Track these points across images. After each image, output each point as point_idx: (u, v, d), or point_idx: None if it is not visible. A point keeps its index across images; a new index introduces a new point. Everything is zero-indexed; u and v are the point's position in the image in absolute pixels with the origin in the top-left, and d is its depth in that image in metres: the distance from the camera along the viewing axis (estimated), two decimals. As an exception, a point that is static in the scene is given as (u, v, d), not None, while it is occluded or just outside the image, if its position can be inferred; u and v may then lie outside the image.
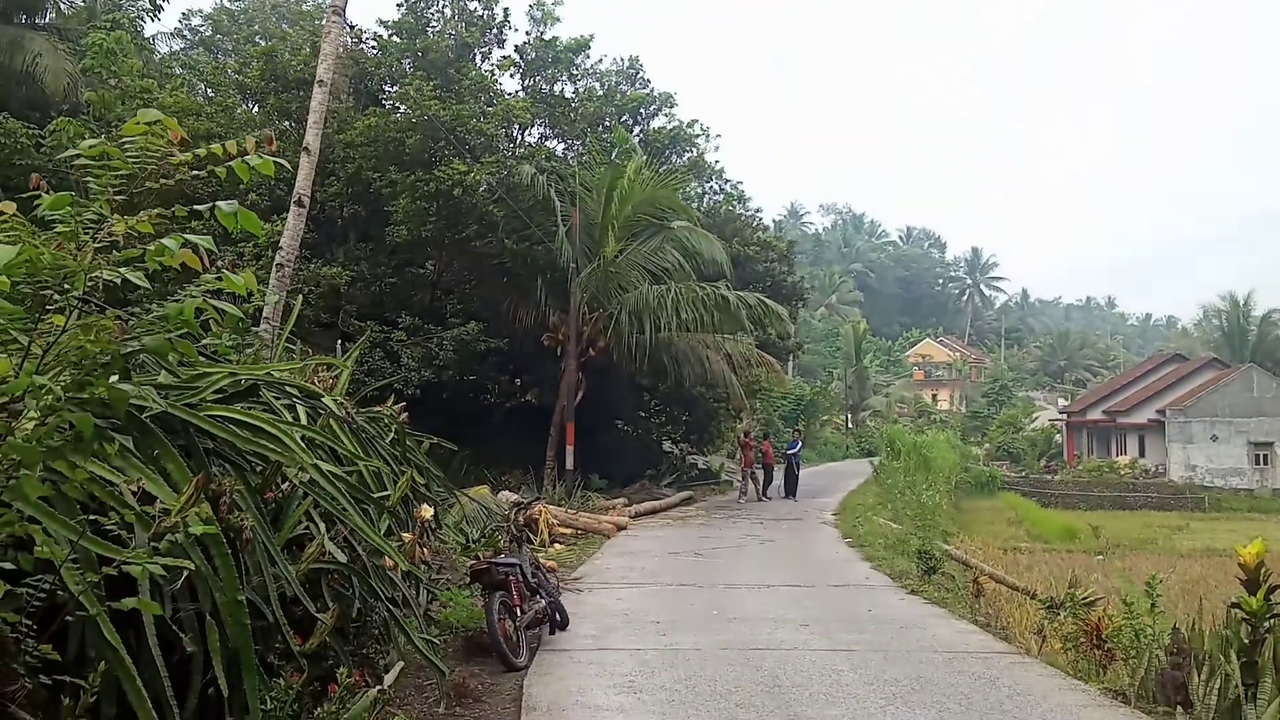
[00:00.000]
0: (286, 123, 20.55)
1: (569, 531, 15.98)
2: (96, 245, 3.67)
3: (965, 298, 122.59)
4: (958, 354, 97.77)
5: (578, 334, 21.46)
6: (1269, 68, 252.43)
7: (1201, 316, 74.06)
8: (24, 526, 3.48)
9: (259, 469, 5.17)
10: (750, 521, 20.12)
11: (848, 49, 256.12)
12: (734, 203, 34.51)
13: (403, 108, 21.15)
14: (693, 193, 30.51)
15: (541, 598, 8.26)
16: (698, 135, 30.36)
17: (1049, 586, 12.72)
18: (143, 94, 20.36)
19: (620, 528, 17.57)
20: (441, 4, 25.58)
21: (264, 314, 10.56)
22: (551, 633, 8.35)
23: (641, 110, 29.51)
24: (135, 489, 4.15)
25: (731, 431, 32.56)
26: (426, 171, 19.74)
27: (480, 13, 25.55)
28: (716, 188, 33.77)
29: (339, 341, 16.82)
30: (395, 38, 24.50)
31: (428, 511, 7.75)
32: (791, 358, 42.77)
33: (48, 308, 3.68)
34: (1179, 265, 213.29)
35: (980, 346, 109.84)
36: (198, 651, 4.16)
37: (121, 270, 3.58)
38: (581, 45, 27.51)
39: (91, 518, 3.78)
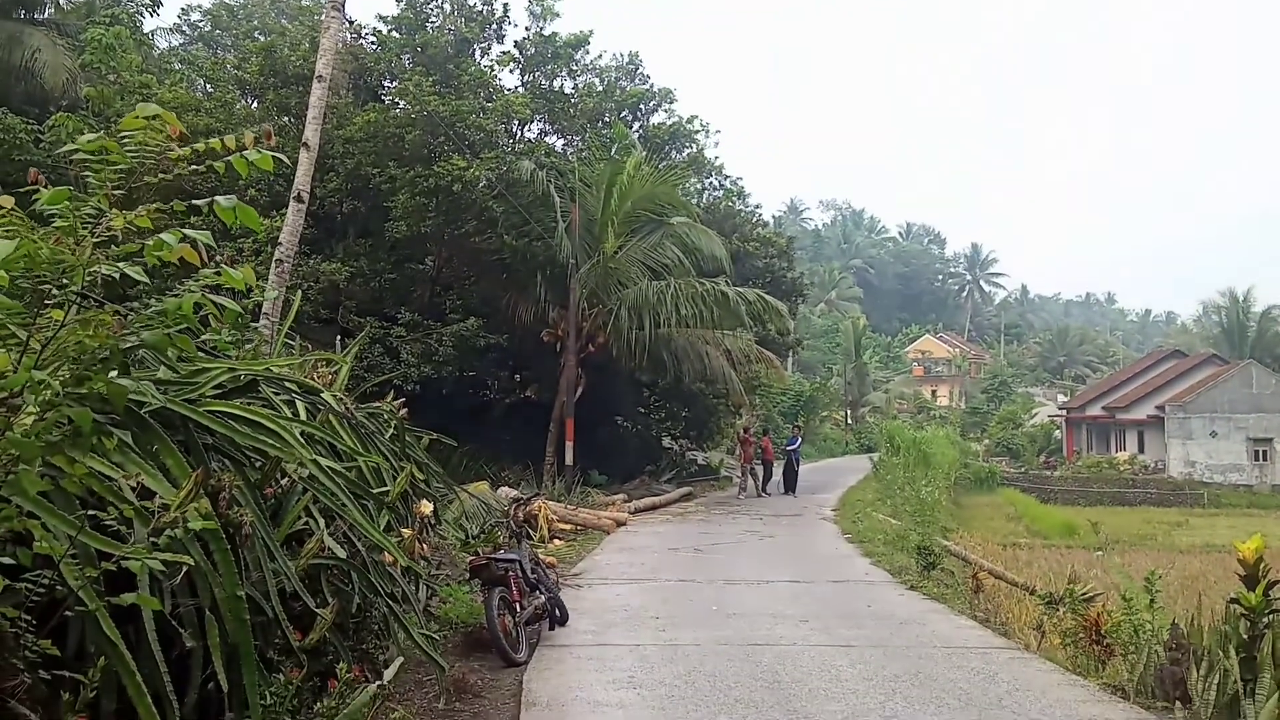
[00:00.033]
0: (286, 118, 20.51)
1: (568, 527, 15.98)
2: (95, 240, 3.67)
3: (965, 294, 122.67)
4: (957, 350, 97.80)
5: (577, 330, 21.45)
6: (1269, 68, 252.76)
7: (1201, 312, 74.43)
8: (23, 521, 3.48)
9: (258, 464, 5.17)
10: (750, 517, 20.13)
11: (848, 49, 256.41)
12: (733, 199, 34.51)
13: (402, 103, 21.10)
14: (692, 188, 30.49)
15: (541, 593, 8.27)
16: (697, 131, 30.29)
17: (1048, 582, 12.77)
18: (141, 89, 20.31)
19: (620, 524, 17.58)
20: (441, -1, 25.56)
21: (263, 309, 10.57)
22: (551, 628, 8.36)
23: (641, 106, 29.43)
24: (134, 484, 4.16)
25: (731, 427, 32.58)
26: (426, 167, 19.72)
27: (480, 8, 25.46)
28: (716, 184, 33.78)
29: (338, 337, 16.90)
30: (394, 33, 24.42)
31: (427, 507, 7.76)
32: (791, 354, 42.82)
33: (46, 303, 3.68)
34: (1179, 264, 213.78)
35: (980, 342, 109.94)
36: (197, 647, 4.16)
37: (120, 265, 3.58)
38: (581, 41, 27.43)
39: (90, 513, 3.79)
